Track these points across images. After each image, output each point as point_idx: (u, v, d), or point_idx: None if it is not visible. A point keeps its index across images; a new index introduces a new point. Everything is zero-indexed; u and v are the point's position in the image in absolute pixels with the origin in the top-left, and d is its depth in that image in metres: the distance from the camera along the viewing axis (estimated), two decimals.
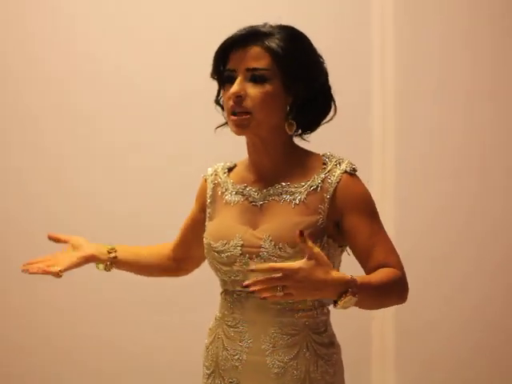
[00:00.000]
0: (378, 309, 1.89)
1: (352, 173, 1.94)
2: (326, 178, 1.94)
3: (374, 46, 3.40)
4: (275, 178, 1.97)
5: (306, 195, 1.93)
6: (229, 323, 1.98)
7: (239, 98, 1.90)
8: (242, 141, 2.02)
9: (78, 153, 3.44)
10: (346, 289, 1.71)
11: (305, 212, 1.91)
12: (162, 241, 2.26)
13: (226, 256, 1.95)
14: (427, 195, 3.37)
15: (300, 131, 2.00)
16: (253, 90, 1.90)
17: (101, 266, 2.15)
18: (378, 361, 3.41)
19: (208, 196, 2.07)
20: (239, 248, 1.93)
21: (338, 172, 1.94)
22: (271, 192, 1.96)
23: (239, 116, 1.91)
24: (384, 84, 3.39)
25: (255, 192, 1.99)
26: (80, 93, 3.42)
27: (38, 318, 3.45)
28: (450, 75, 3.37)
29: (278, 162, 1.98)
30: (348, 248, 1.96)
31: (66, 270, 2.07)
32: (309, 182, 1.94)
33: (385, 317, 3.36)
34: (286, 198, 1.94)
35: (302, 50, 1.94)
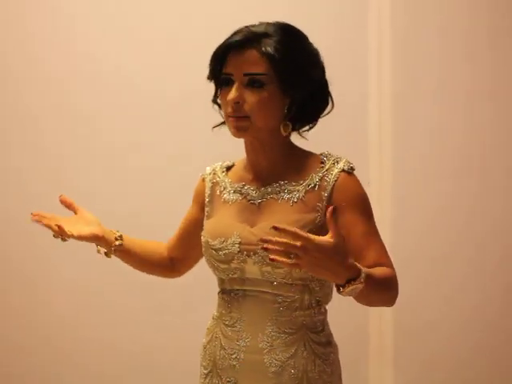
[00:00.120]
0: (370, 305, 1.88)
1: (350, 171, 1.95)
2: (323, 176, 1.94)
3: (371, 45, 3.40)
4: (273, 177, 1.98)
5: (304, 193, 1.94)
6: (226, 322, 1.98)
7: (237, 104, 1.91)
8: (241, 141, 2.02)
9: (77, 153, 3.44)
10: (355, 276, 1.70)
11: (303, 210, 1.92)
12: (162, 241, 2.26)
13: (224, 254, 1.95)
14: (426, 195, 3.37)
15: (297, 127, 2.00)
16: (251, 96, 1.91)
17: (102, 250, 2.08)
18: (376, 360, 3.41)
19: (206, 195, 2.08)
20: (237, 245, 1.94)
21: (336, 170, 1.94)
22: (269, 190, 1.97)
23: (238, 118, 1.92)
24: (381, 84, 3.39)
25: (253, 190, 1.99)
26: (80, 93, 3.43)
27: (38, 319, 3.45)
28: (450, 74, 3.37)
29: (275, 162, 1.99)
30: None
31: (75, 237, 1.98)
32: (307, 181, 1.95)
33: (383, 316, 3.36)
34: (284, 197, 1.95)
35: (298, 49, 1.94)
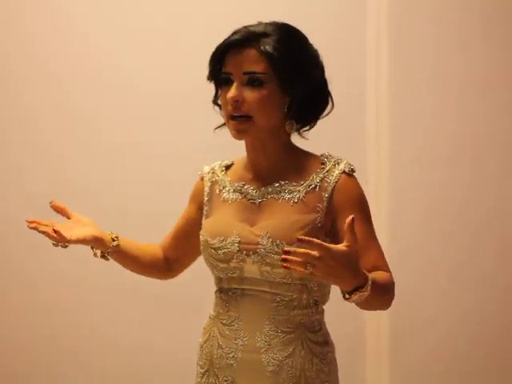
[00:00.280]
0: (367, 309, 1.88)
1: (350, 173, 1.95)
2: (324, 177, 1.95)
3: (368, 37, 3.40)
4: (273, 177, 1.98)
5: (305, 194, 1.94)
6: (224, 321, 1.98)
7: (237, 102, 1.91)
8: (241, 141, 2.02)
9: (78, 153, 3.44)
10: (362, 284, 1.71)
11: (303, 210, 1.92)
12: (160, 241, 2.26)
13: (223, 253, 1.95)
14: (423, 187, 3.38)
15: (298, 127, 2.00)
16: (250, 94, 1.91)
17: (99, 253, 2.06)
18: (373, 356, 3.41)
19: (205, 194, 2.07)
20: (236, 245, 1.94)
21: (337, 172, 1.95)
22: (270, 190, 1.97)
23: (238, 120, 1.92)
24: (378, 77, 3.40)
25: (253, 190, 1.99)
26: (80, 93, 3.43)
27: (38, 319, 3.45)
28: (443, 66, 3.38)
29: (276, 162, 1.99)
30: None
31: (75, 241, 1.95)
32: (307, 181, 1.95)
33: (379, 312, 3.37)
34: (284, 197, 1.95)
35: (297, 49, 1.94)
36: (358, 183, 1.96)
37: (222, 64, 1.94)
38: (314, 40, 1.99)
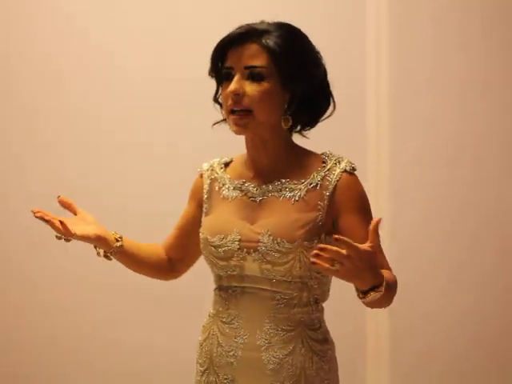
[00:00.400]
0: (373, 307, 1.88)
1: (351, 172, 1.95)
2: (325, 175, 1.94)
3: (368, 36, 3.40)
4: (274, 175, 1.98)
5: (306, 192, 1.94)
6: (224, 319, 1.97)
7: (237, 96, 1.91)
8: (241, 139, 2.01)
9: (78, 153, 3.44)
10: (378, 284, 1.71)
11: (304, 209, 1.92)
12: (162, 241, 2.25)
13: (223, 251, 1.95)
14: (423, 187, 3.39)
15: (299, 128, 2.00)
16: (251, 88, 1.91)
17: (102, 252, 2.04)
18: (373, 355, 3.41)
19: (205, 191, 2.07)
20: (237, 243, 1.93)
21: (338, 170, 1.94)
22: (270, 188, 1.97)
23: (239, 115, 1.91)
24: (378, 77, 3.40)
25: (254, 188, 1.99)
26: (80, 92, 3.43)
27: (38, 319, 3.45)
28: (443, 66, 3.38)
29: (276, 160, 1.99)
30: None
31: (79, 237, 1.94)
32: (308, 180, 1.95)
33: (380, 310, 3.36)
34: (285, 195, 1.95)
35: (299, 47, 1.94)
36: (359, 181, 1.95)
37: (224, 59, 1.94)
38: (314, 40, 1.99)
